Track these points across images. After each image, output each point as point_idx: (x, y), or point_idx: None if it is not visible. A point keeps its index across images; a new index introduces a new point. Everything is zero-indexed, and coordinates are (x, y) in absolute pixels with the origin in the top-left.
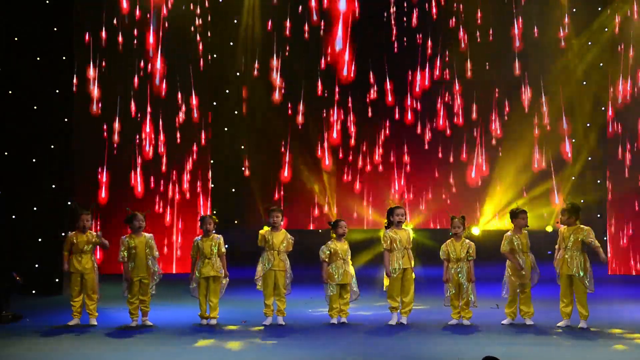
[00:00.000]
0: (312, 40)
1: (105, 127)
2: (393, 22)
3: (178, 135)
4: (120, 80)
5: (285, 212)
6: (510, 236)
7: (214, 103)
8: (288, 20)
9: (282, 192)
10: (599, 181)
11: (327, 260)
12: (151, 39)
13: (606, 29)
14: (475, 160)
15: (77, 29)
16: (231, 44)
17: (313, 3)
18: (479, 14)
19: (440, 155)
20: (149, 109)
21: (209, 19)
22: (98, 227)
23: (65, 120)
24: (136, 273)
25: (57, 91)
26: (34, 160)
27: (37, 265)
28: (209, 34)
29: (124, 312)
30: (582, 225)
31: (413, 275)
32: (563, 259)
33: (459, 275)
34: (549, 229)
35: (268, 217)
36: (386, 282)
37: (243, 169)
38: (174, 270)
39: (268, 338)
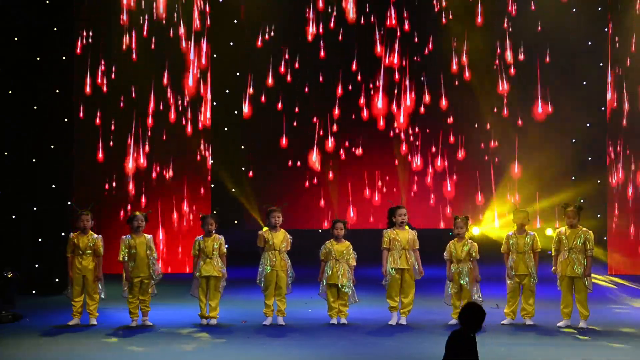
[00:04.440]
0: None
1: (103, 126)
2: None
3: (178, 135)
4: (119, 79)
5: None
6: (508, 236)
7: (214, 103)
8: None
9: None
10: (598, 181)
11: (323, 259)
12: (151, 39)
13: (606, 29)
14: None
15: (78, 29)
16: (231, 44)
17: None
18: None
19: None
20: (148, 109)
21: (209, 19)
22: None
23: (65, 120)
24: (136, 273)
25: (57, 91)
26: (34, 160)
27: (37, 265)
28: (208, 34)
29: (124, 312)
30: (584, 228)
31: (412, 276)
32: (567, 260)
33: (460, 275)
34: (549, 231)
35: (267, 219)
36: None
37: (243, 169)
38: (169, 270)
39: (268, 338)
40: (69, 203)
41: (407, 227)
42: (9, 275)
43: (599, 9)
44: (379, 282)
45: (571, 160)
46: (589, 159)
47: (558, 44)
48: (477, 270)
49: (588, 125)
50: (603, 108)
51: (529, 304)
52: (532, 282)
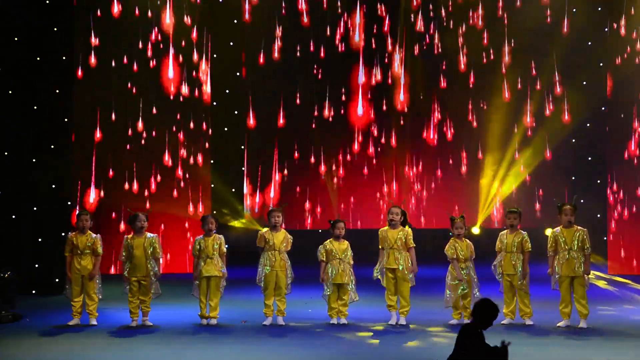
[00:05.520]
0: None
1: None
2: None
3: (178, 134)
4: (119, 79)
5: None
6: (500, 235)
7: (214, 103)
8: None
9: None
10: (598, 181)
11: (324, 259)
12: (151, 40)
13: (606, 29)
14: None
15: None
16: (231, 44)
17: None
18: None
19: None
20: (148, 109)
21: (209, 19)
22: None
23: (65, 120)
24: (133, 273)
25: (57, 91)
26: (34, 160)
27: (37, 265)
28: (209, 34)
29: (124, 312)
30: (579, 227)
31: (405, 276)
32: (568, 260)
33: (469, 275)
34: (549, 231)
35: (267, 219)
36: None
37: (243, 169)
38: (172, 271)
39: (268, 338)
40: (75, 205)
41: (403, 227)
42: (5, 276)
43: (599, 8)
44: (378, 281)
45: (571, 160)
46: (589, 159)
47: (558, 44)
48: (473, 270)
49: (588, 125)
50: (603, 108)
51: (525, 304)
52: (519, 282)
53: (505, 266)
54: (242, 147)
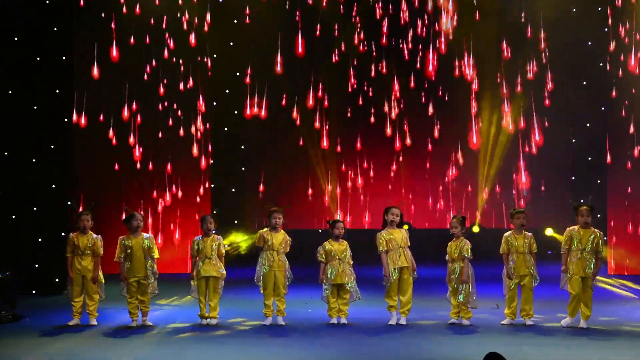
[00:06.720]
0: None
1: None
2: None
3: (178, 135)
4: (119, 79)
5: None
6: (507, 237)
7: (214, 103)
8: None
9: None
10: (598, 181)
11: (323, 260)
12: (151, 39)
13: (606, 29)
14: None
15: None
16: (231, 44)
17: None
18: None
19: None
20: (148, 109)
21: (209, 19)
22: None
23: (65, 120)
24: (132, 274)
25: (57, 91)
26: (34, 160)
27: (37, 265)
28: (208, 34)
29: (124, 312)
30: (596, 230)
31: (411, 275)
32: (581, 260)
33: (453, 274)
34: (549, 231)
35: (268, 219)
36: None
37: (243, 169)
38: (172, 270)
39: (268, 338)
40: (69, 203)
41: (403, 227)
42: (1, 276)
43: (599, 9)
44: (377, 282)
45: (571, 160)
46: (589, 159)
47: (558, 44)
48: (465, 270)
49: (588, 125)
50: (603, 108)
51: (529, 304)
52: (533, 282)
53: (520, 267)
54: (242, 147)
